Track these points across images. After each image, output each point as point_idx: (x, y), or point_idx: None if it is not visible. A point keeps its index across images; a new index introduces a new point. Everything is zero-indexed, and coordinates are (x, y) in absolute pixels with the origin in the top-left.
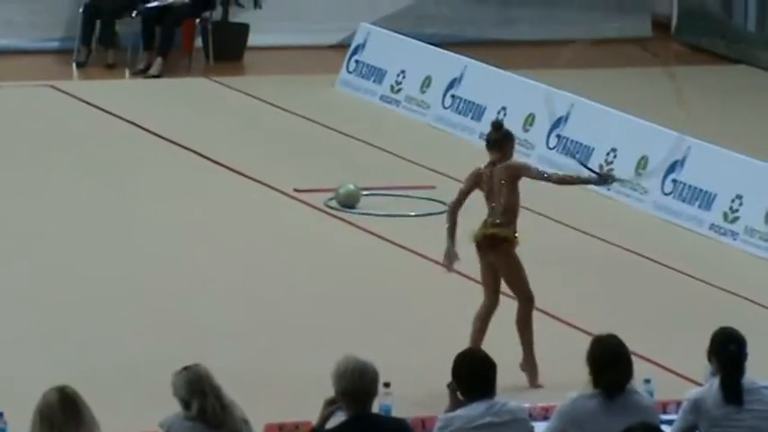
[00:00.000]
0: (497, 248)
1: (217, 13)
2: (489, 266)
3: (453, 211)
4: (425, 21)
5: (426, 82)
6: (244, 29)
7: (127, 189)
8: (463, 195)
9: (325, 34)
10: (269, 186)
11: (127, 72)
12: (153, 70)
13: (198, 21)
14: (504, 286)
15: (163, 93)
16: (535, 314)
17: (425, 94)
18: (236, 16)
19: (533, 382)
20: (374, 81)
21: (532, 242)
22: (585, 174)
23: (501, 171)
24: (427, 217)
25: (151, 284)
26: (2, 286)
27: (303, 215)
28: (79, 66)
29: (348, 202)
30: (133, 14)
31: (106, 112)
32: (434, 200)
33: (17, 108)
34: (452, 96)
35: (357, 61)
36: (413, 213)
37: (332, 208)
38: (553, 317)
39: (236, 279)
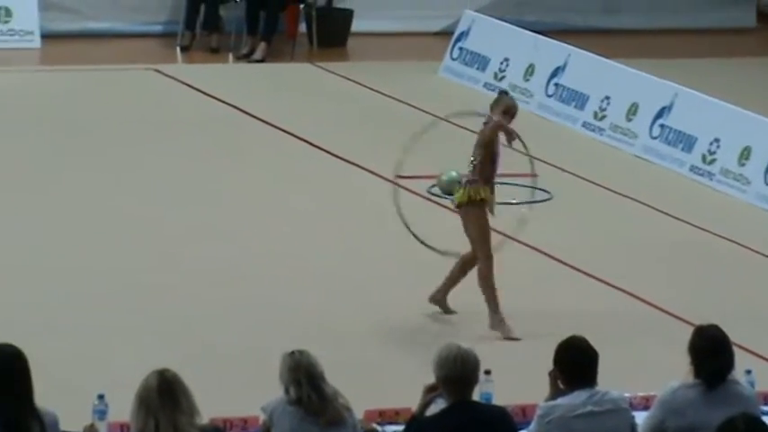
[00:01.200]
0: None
1: None
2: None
3: None
4: (527, 8)
5: (530, 70)
6: (348, 14)
7: (229, 173)
8: None
9: (429, 21)
10: (371, 172)
11: (230, 56)
12: (257, 55)
13: (302, 6)
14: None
15: (266, 78)
16: (637, 304)
17: (529, 83)
18: (341, 2)
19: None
20: (477, 68)
21: (634, 231)
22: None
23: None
24: (529, 205)
25: (252, 269)
26: (103, 268)
27: (405, 202)
28: (183, 50)
29: (450, 189)
30: None
31: (209, 96)
32: (537, 188)
33: (122, 91)
34: (556, 85)
35: (461, 48)
36: (514, 201)
37: (434, 195)
38: (654, 306)
39: (338, 265)
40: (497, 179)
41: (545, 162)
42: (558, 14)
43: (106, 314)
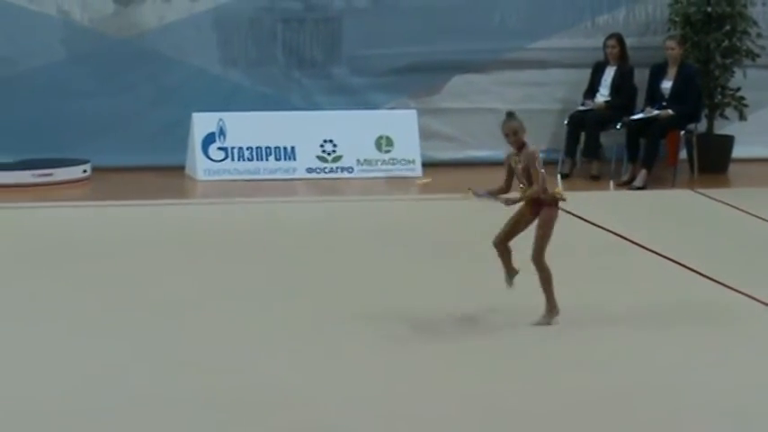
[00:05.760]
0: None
1: (701, 125)
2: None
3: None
4: None
5: None
6: (728, 141)
7: (612, 300)
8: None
9: None
10: (754, 299)
11: (611, 184)
12: (637, 182)
13: (682, 133)
14: None
15: (647, 205)
16: None
17: None
18: (721, 128)
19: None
20: None
21: None
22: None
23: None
24: None
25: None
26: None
27: None
28: (563, 177)
29: None
30: (618, 126)
31: (590, 223)
32: None
33: (500, 218)
34: None
35: None
36: None
37: None
38: None
39: (723, 393)
40: None
41: None
42: None
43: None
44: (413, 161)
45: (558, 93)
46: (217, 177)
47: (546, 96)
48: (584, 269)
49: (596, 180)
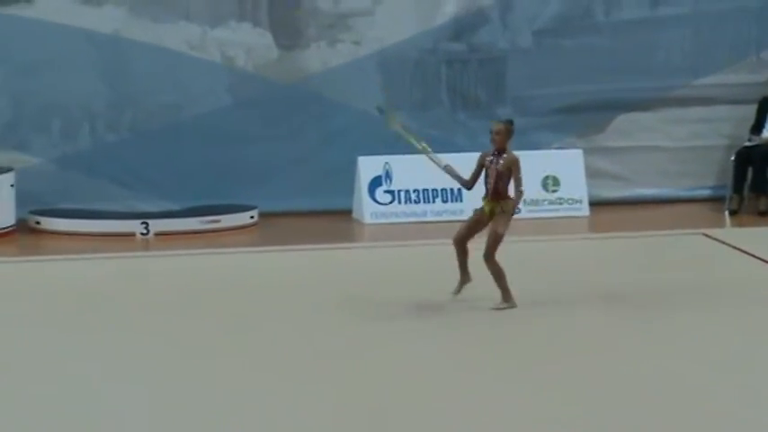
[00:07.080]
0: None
1: None
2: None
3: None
4: None
5: None
6: None
7: None
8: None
9: None
10: None
11: None
12: None
13: None
14: None
15: None
16: None
17: None
18: None
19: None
20: None
21: None
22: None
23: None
24: None
25: None
26: None
27: None
28: (731, 213)
29: None
30: None
31: (760, 259)
32: None
33: (669, 256)
34: None
35: None
36: None
37: None
38: None
39: None
40: None
41: None
42: None
43: None
44: (580, 201)
45: (725, 129)
46: (384, 220)
47: (712, 133)
48: (755, 307)
49: (765, 215)
